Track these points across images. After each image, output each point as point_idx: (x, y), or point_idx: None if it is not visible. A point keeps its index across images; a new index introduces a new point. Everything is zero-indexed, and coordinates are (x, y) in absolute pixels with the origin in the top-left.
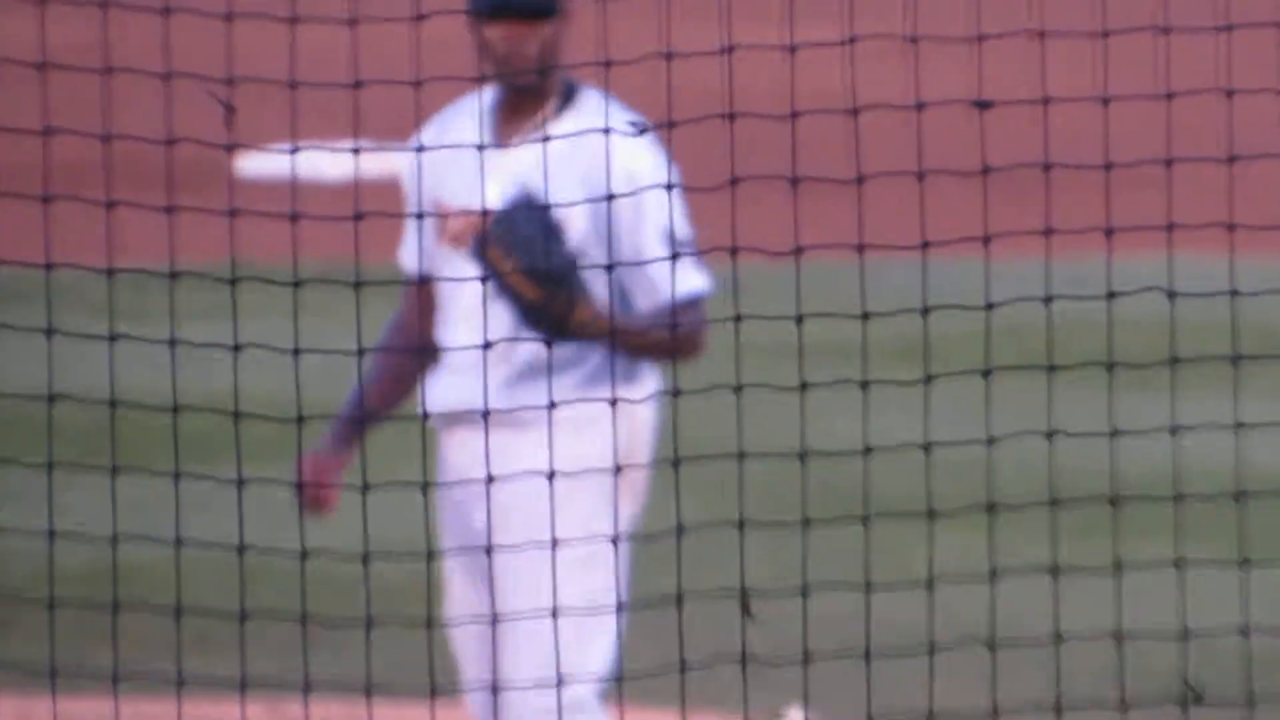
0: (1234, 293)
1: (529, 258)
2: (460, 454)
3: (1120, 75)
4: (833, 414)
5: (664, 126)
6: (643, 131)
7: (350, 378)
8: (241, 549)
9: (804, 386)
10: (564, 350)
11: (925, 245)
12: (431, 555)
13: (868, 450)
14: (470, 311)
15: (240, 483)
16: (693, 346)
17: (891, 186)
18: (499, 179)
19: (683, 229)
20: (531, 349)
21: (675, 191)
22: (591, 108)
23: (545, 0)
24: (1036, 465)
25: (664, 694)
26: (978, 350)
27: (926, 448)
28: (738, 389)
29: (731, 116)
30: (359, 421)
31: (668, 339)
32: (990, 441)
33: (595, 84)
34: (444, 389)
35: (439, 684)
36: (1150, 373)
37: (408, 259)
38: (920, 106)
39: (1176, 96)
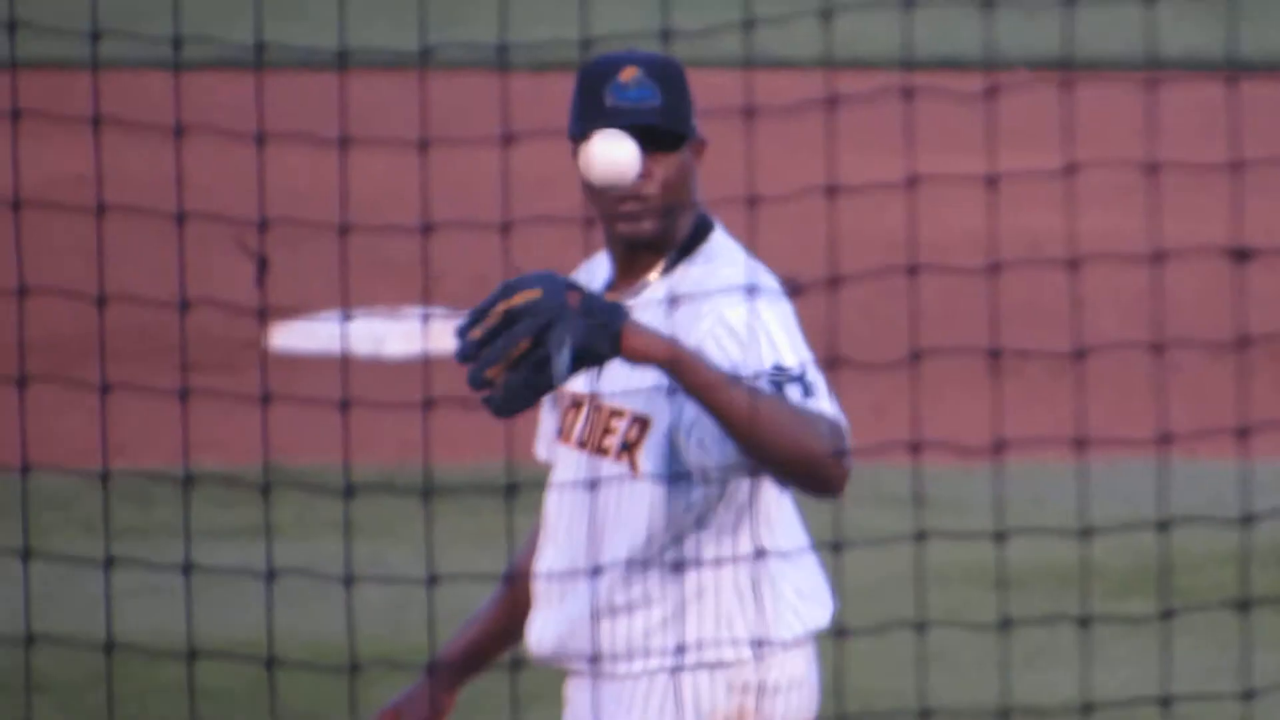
0: None
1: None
2: (569, 707)
3: None
4: (1044, 658)
5: (824, 283)
6: (796, 292)
7: (417, 613)
8: None
9: (1007, 623)
10: (652, 579)
11: (1166, 439)
12: None
13: (1087, 708)
14: (555, 525)
15: None
16: (821, 455)
17: (1122, 363)
18: None
19: (799, 351)
20: (617, 575)
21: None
22: (718, 260)
23: (673, 121)
24: None
25: None
26: (1233, 576)
27: (1166, 702)
28: (919, 627)
29: (914, 270)
30: (468, 661)
31: (791, 417)
32: (1248, 696)
33: (735, 225)
34: (531, 625)
35: None
36: None
37: (545, 453)
38: (1160, 256)
39: None
